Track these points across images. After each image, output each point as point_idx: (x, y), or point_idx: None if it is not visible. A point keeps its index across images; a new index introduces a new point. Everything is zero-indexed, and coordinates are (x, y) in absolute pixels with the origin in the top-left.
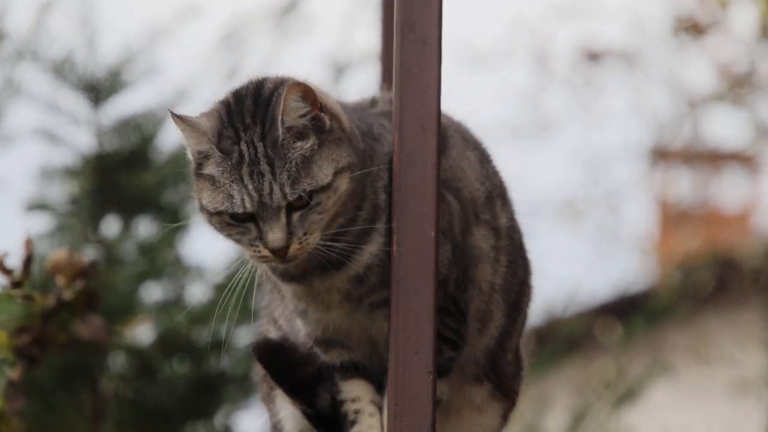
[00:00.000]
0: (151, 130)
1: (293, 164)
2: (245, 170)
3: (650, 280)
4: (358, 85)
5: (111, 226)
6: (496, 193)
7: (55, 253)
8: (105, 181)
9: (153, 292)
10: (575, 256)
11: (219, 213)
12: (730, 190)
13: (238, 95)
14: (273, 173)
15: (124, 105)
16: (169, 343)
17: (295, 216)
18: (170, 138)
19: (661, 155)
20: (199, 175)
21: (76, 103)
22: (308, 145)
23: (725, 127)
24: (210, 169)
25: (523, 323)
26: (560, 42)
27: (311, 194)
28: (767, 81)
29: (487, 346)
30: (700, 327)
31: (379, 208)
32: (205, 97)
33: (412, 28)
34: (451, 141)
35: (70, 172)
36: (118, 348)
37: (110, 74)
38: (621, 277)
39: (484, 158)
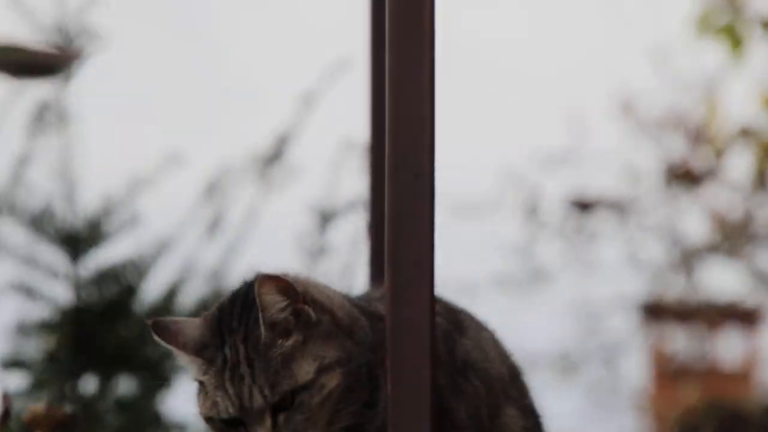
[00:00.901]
0: (131, 280)
1: (273, 364)
2: (227, 375)
3: None
4: (345, 233)
5: (89, 382)
6: (516, 373)
7: (33, 407)
8: (83, 336)
9: None
10: (570, 413)
11: (211, 419)
12: (728, 345)
13: (234, 297)
14: (252, 375)
15: (103, 257)
16: None
17: (281, 417)
18: (152, 289)
19: (655, 311)
20: (195, 380)
21: (54, 256)
22: (290, 342)
23: (721, 279)
24: (200, 376)
25: None
26: (550, 191)
27: (293, 394)
28: (764, 230)
29: None
30: None
31: None
32: (187, 246)
33: (404, 165)
34: (465, 322)
35: (46, 327)
36: None
37: (90, 226)
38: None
39: (496, 338)
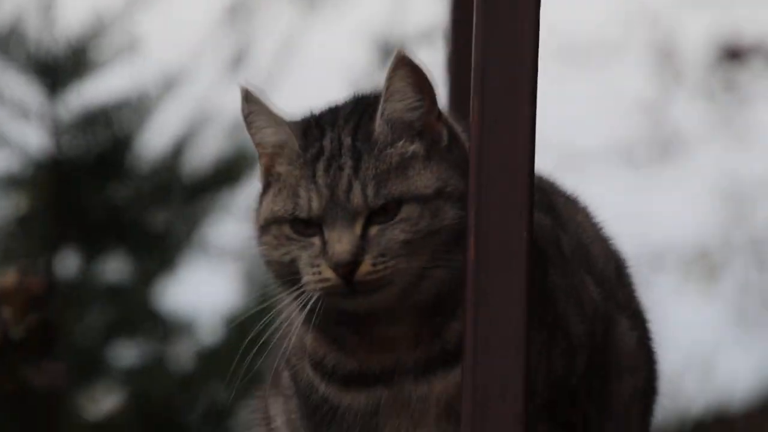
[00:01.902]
0: (127, 127)
1: (385, 163)
2: (321, 164)
3: None
4: None
5: (69, 259)
6: (621, 266)
7: (1, 279)
8: (63, 197)
9: (125, 352)
10: (710, 328)
11: (277, 221)
12: None
13: (336, 105)
14: (356, 168)
15: (90, 93)
16: (147, 418)
17: (374, 230)
18: (154, 140)
19: None
20: (266, 176)
21: (25, 89)
22: (412, 148)
23: None
24: (280, 167)
25: None
26: (692, 35)
27: (400, 203)
28: None
29: None
30: None
31: None
32: (201, 85)
33: None
34: (558, 206)
35: (16, 183)
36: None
37: (72, 52)
38: None
39: (592, 219)
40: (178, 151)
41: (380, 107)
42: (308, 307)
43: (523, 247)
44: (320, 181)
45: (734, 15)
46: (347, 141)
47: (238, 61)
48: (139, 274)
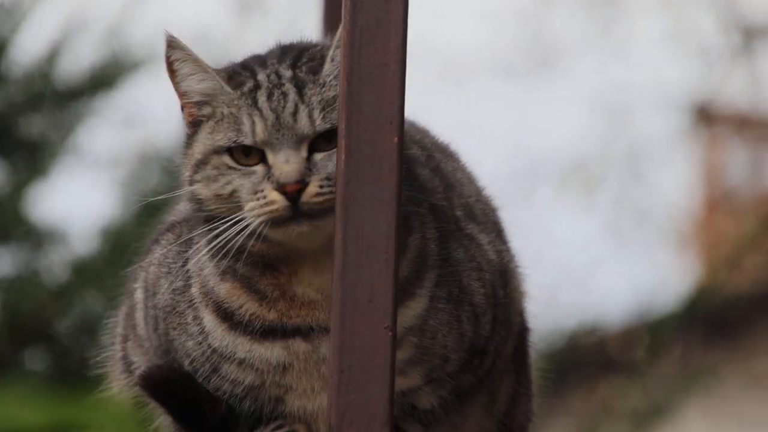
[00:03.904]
0: (2, 31)
1: (331, 92)
2: (262, 94)
3: (689, 278)
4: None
5: None
6: (497, 215)
7: None
8: None
9: None
10: (586, 239)
11: (216, 152)
12: None
13: (256, 53)
14: (301, 94)
15: None
16: (19, 328)
17: (318, 155)
18: (28, 46)
19: (704, 112)
20: (193, 123)
21: None
22: None
23: None
24: (209, 109)
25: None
26: None
27: None
28: None
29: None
30: (754, 341)
31: (428, 251)
32: None
33: None
34: (442, 166)
35: None
36: None
37: None
38: (648, 271)
39: (466, 168)
40: (52, 56)
41: (331, 52)
42: (238, 243)
43: (394, 152)
44: (264, 107)
45: None
46: (287, 73)
47: None
48: (12, 182)
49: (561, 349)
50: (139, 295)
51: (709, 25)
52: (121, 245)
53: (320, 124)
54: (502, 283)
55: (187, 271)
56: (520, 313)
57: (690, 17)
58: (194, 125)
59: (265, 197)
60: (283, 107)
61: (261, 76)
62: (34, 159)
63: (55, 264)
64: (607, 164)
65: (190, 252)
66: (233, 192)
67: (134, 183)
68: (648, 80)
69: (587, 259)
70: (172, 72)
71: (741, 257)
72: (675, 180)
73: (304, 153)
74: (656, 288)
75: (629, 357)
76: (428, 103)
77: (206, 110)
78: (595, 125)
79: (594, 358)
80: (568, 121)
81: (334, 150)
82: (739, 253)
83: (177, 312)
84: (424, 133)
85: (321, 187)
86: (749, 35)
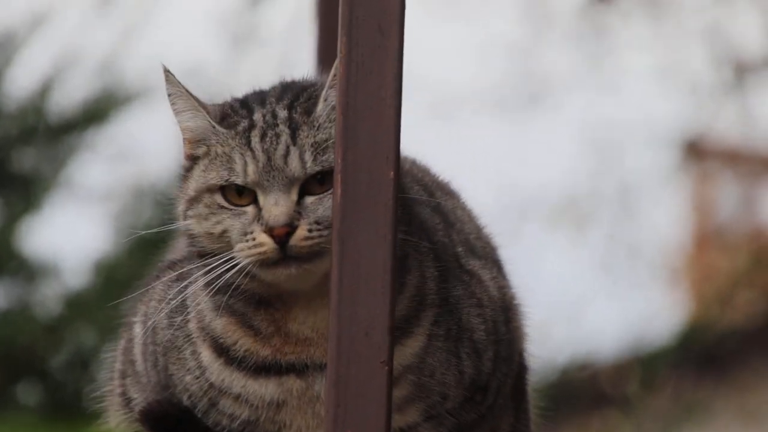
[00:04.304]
0: None
1: (324, 134)
2: (255, 133)
3: (680, 313)
4: (283, 11)
5: None
6: (497, 253)
7: None
8: None
9: None
10: (577, 277)
11: (209, 190)
12: None
13: (260, 90)
14: (294, 137)
15: None
16: (11, 362)
17: (309, 199)
18: (21, 80)
19: (695, 147)
20: (190, 158)
21: None
22: None
23: None
24: (204, 148)
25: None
26: None
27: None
28: None
29: None
30: (746, 376)
31: (427, 280)
32: (69, 25)
33: None
34: (442, 205)
35: None
36: None
37: None
38: (640, 306)
39: (466, 207)
40: (45, 90)
41: (324, 92)
42: (230, 280)
43: (390, 186)
44: (256, 147)
45: None
46: (283, 113)
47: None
48: (4, 216)
49: (553, 383)
50: (137, 329)
51: (700, 59)
52: (114, 279)
53: (311, 167)
54: (505, 319)
55: (185, 305)
56: (520, 352)
57: (681, 52)
58: (191, 159)
59: (254, 239)
60: (275, 149)
61: (257, 116)
62: (27, 193)
63: (48, 298)
64: (598, 199)
65: (186, 284)
66: (224, 231)
67: (126, 216)
68: (639, 115)
69: (578, 294)
70: (171, 104)
71: (733, 292)
72: (666, 215)
73: (294, 196)
74: (648, 323)
75: (622, 391)
76: (418, 137)
77: (201, 149)
78: (585, 160)
79: (586, 392)
80: (559, 156)
81: (326, 193)
82: (731, 288)
83: (175, 347)
84: (425, 172)
85: (310, 231)
86: (741, 70)
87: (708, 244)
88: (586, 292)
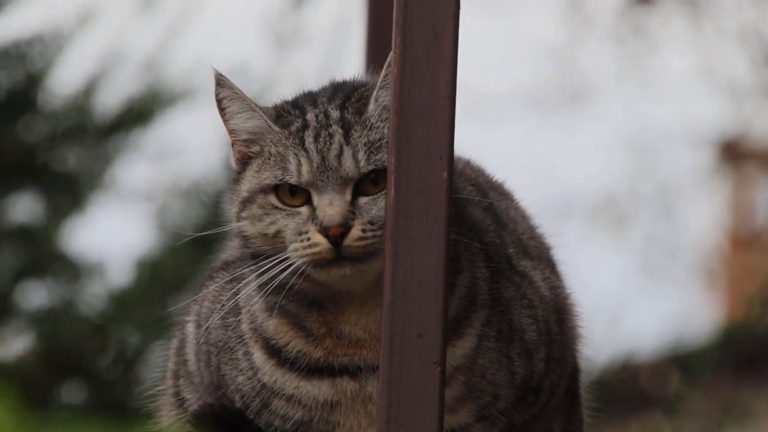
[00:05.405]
0: (41, 63)
1: (376, 134)
2: (309, 134)
3: (718, 314)
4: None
5: None
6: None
7: None
8: None
9: (35, 294)
10: (614, 277)
11: (263, 190)
12: None
13: (310, 91)
14: (347, 136)
15: (2, 29)
16: (57, 361)
17: (363, 199)
18: (66, 79)
19: (734, 149)
20: (242, 160)
21: None
22: None
23: None
24: (258, 147)
25: None
26: None
27: None
28: None
29: None
30: None
31: (478, 289)
32: (114, 23)
33: None
34: (495, 205)
35: None
36: None
37: None
38: (678, 306)
39: (519, 207)
40: (90, 89)
41: (375, 92)
42: (284, 281)
43: (444, 187)
44: (310, 147)
45: None
46: (335, 114)
47: None
48: (50, 215)
49: (593, 383)
50: (190, 328)
51: (739, 61)
52: (157, 277)
53: (364, 166)
54: (557, 319)
55: (238, 306)
56: (574, 353)
57: (720, 53)
58: (243, 162)
59: (309, 239)
60: (329, 149)
61: (310, 116)
62: (71, 192)
63: (93, 296)
64: (636, 200)
65: (240, 286)
66: (278, 232)
67: (169, 215)
68: (677, 116)
69: (618, 294)
70: (221, 110)
71: None
72: (704, 216)
73: (348, 196)
74: (686, 323)
75: (662, 392)
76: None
77: (254, 148)
78: (624, 161)
79: (626, 393)
80: (598, 157)
81: (379, 193)
82: None
83: (228, 347)
84: (478, 173)
85: (364, 231)
86: None
87: (745, 246)
88: (625, 293)
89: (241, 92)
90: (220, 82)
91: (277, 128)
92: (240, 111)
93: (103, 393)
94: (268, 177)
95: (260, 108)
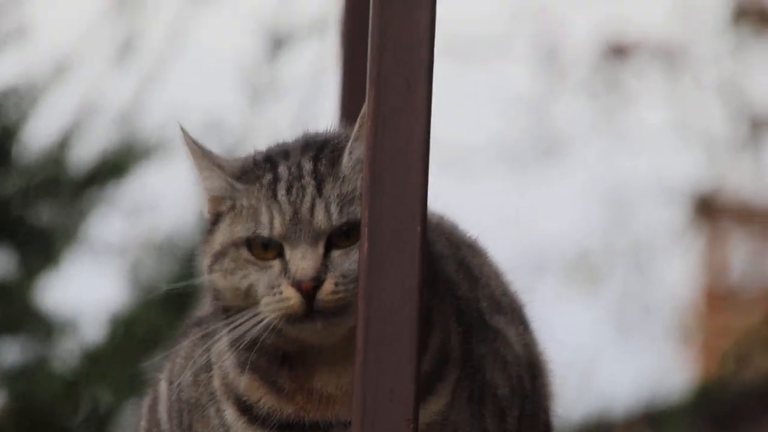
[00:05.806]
0: (15, 115)
1: (349, 186)
2: (281, 186)
3: (692, 371)
4: (305, 62)
5: None
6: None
7: None
8: None
9: (6, 351)
10: (588, 333)
11: (235, 244)
12: None
13: (283, 144)
14: (319, 188)
15: None
16: (29, 420)
17: (336, 253)
18: (41, 131)
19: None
20: (215, 215)
21: None
22: None
23: None
24: (229, 202)
25: None
26: (576, 31)
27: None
28: None
29: None
30: None
31: (450, 346)
32: (89, 75)
33: None
34: (468, 260)
35: None
36: None
37: None
38: (652, 363)
39: (492, 264)
40: (64, 142)
41: (349, 144)
42: (255, 336)
43: (417, 241)
44: (282, 200)
45: (619, 12)
46: (308, 165)
47: (126, 49)
48: (23, 271)
49: None
50: (163, 386)
51: (715, 115)
52: (131, 333)
53: (337, 219)
54: (530, 376)
55: (210, 363)
56: (546, 410)
57: (696, 107)
58: (216, 215)
59: (281, 293)
60: (302, 201)
61: (282, 168)
62: (45, 247)
63: (66, 353)
64: (611, 255)
65: (212, 342)
66: (250, 286)
67: (143, 271)
68: (652, 170)
69: (591, 350)
70: (191, 165)
71: (748, 352)
72: (678, 272)
73: (320, 249)
74: (661, 381)
75: None
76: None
77: (226, 204)
78: (598, 215)
79: None
80: (572, 211)
81: (352, 247)
82: (745, 348)
83: (200, 405)
84: (452, 228)
85: (336, 284)
86: (756, 126)
87: (720, 303)
88: (599, 348)
89: (202, 150)
90: (184, 138)
91: (240, 186)
92: (203, 169)
93: None
94: (240, 230)
95: (223, 166)
